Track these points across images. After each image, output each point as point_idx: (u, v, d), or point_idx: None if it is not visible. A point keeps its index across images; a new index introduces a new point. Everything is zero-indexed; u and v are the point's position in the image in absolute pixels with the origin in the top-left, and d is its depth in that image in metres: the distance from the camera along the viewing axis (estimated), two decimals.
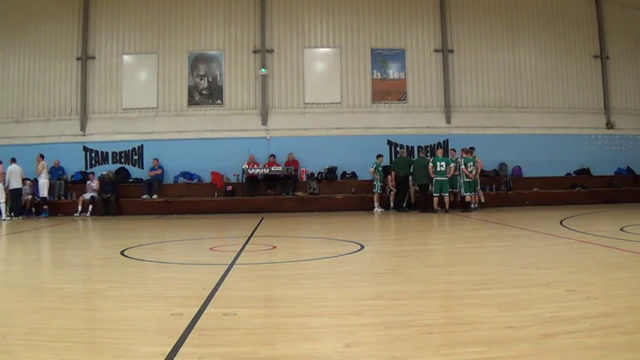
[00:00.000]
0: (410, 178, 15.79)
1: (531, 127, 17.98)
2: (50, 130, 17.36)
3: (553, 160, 17.62)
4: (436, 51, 18.18)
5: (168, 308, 4.17)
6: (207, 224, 13.26)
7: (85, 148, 17.47)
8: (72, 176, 17.09)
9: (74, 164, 17.24)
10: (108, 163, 17.47)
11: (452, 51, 18.17)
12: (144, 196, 16.53)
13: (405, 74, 18.12)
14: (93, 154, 17.52)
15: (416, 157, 16.70)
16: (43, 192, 15.51)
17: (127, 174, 17.34)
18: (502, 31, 18.41)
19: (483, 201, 15.51)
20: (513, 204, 16.38)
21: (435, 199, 14.80)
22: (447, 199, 14.82)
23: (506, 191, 17.09)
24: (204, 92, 17.92)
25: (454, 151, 16.48)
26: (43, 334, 3.51)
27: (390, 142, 17.67)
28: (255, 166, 16.89)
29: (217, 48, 17.94)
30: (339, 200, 16.62)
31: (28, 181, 15.67)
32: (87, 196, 15.95)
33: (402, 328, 3.57)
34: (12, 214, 14.82)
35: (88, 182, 16.19)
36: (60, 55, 17.68)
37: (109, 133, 17.49)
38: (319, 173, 17.32)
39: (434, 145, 17.53)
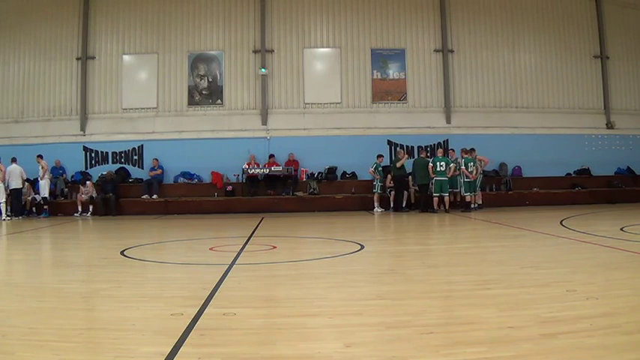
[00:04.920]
0: (410, 178, 15.82)
1: (531, 127, 17.98)
2: (50, 130, 17.37)
3: (553, 160, 17.61)
4: (436, 51, 18.18)
5: (168, 308, 4.17)
6: (207, 224, 13.26)
7: (85, 148, 17.47)
8: (72, 176, 17.10)
9: (74, 164, 17.25)
10: (108, 163, 17.47)
11: (452, 51, 18.17)
12: (144, 196, 16.52)
13: (405, 74, 18.13)
14: (93, 154, 17.52)
15: (416, 157, 16.71)
16: (44, 192, 15.51)
17: (127, 174, 17.34)
18: (502, 31, 18.41)
19: (481, 202, 15.51)
20: (513, 204, 16.37)
21: (435, 199, 14.80)
22: (446, 199, 14.82)
23: (506, 191, 17.10)
24: (204, 92, 17.92)
25: (453, 151, 16.48)
26: (43, 334, 3.51)
27: (390, 142, 17.67)
28: (256, 166, 16.89)
29: (217, 48, 17.94)
30: (339, 200, 16.62)
31: (27, 183, 15.62)
32: (84, 196, 15.91)
33: (402, 328, 3.57)
34: (12, 213, 14.82)
35: (81, 187, 16.09)
36: (60, 55, 17.68)
37: (109, 133, 17.49)
38: (319, 173, 17.33)
39: (434, 145, 17.53)
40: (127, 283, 5.45)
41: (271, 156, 17.07)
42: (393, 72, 18.16)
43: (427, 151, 17.00)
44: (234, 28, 17.95)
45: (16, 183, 14.87)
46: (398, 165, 15.51)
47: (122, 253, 7.55)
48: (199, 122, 17.61)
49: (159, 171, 17.05)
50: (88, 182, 16.15)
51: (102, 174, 16.82)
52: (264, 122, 17.70)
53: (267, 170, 16.77)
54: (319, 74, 18.33)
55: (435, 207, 14.73)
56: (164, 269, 6.56)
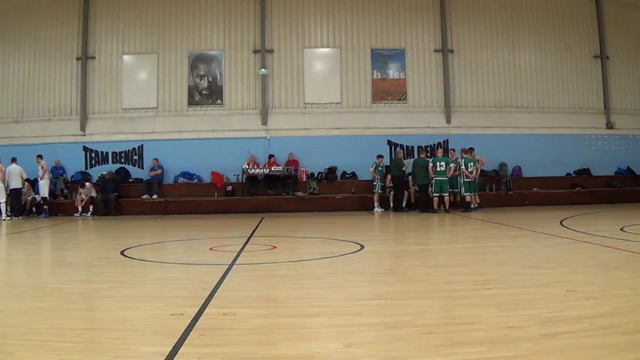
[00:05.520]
0: (410, 178, 15.83)
1: (531, 127, 17.98)
2: (50, 130, 17.37)
3: (553, 160, 17.61)
4: (436, 51, 18.17)
5: (169, 308, 4.17)
6: (207, 224, 13.26)
7: (85, 148, 17.47)
8: (72, 176, 17.11)
9: (74, 164, 17.25)
10: (108, 163, 17.47)
11: (452, 51, 18.17)
12: (144, 196, 16.52)
13: (405, 74, 18.12)
14: (93, 154, 17.52)
15: (416, 157, 16.70)
16: (44, 192, 15.50)
17: (127, 174, 17.34)
18: (502, 31, 18.41)
19: (478, 202, 15.50)
20: (513, 204, 16.37)
21: (435, 199, 14.80)
22: (446, 199, 14.82)
23: (506, 191, 17.09)
24: (204, 92, 17.92)
25: (453, 151, 16.49)
26: (43, 334, 3.51)
27: (390, 142, 17.67)
28: (256, 166, 16.89)
29: (217, 48, 17.94)
30: (339, 200, 16.62)
31: (27, 183, 15.60)
32: (83, 196, 15.88)
33: (402, 328, 3.57)
34: (12, 213, 14.81)
35: (80, 188, 16.04)
36: (60, 55, 17.68)
37: (109, 133, 17.49)
38: (319, 173, 17.32)
39: (434, 145, 17.53)
40: (127, 283, 5.45)
41: (271, 156, 17.07)
42: (393, 72, 18.16)
43: (427, 151, 17.01)
44: (234, 28, 17.95)
45: (16, 183, 14.87)
46: (403, 169, 15.53)
47: (122, 253, 7.55)
48: (199, 122, 17.61)
49: (159, 171, 17.05)
50: (87, 184, 16.12)
51: (102, 174, 16.82)
52: (264, 122, 17.70)
53: (267, 170, 16.77)
54: (319, 74, 18.33)
55: (435, 207, 14.73)
56: (164, 269, 6.56)
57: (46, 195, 15.56)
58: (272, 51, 17.89)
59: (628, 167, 18.26)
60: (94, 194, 16.02)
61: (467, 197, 15.02)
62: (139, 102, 17.73)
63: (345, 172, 17.51)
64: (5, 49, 17.76)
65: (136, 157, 17.59)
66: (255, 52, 17.87)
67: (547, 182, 17.37)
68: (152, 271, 6.54)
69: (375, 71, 18.11)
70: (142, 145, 17.58)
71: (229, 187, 16.85)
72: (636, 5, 18.86)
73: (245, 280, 5.51)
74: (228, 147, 17.13)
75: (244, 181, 16.80)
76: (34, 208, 15.90)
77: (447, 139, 17.58)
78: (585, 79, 18.59)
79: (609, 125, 18.43)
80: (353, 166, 17.34)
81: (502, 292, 4.65)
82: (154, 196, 16.52)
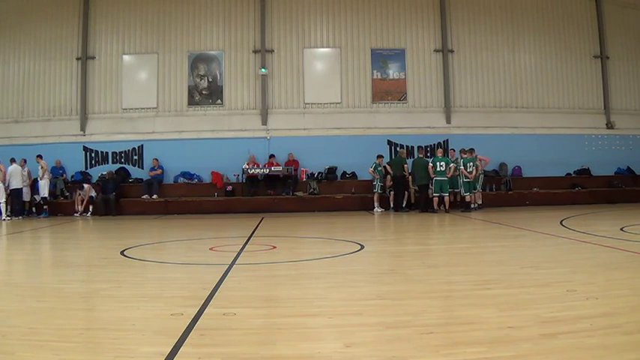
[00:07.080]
0: (410, 178, 15.83)
1: (531, 127, 17.98)
2: (50, 130, 17.37)
3: (553, 160, 17.61)
4: (436, 51, 18.17)
5: (168, 308, 4.17)
6: (207, 224, 13.26)
7: (85, 148, 17.47)
8: (72, 176, 17.10)
9: (74, 164, 17.25)
10: (108, 163, 17.47)
11: (452, 51, 18.17)
12: (144, 196, 16.52)
13: (405, 74, 18.12)
14: (93, 154, 17.52)
15: (415, 157, 16.69)
16: (44, 192, 15.50)
17: (127, 174, 17.34)
18: (502, 31, 18.41)
19: (481, 202, 15.51)
20: (513, 204, 16.37)
21: (435, 199, 14.80)
22: (446, 199, 14.82)
23: (506, 191, 17.10)
24: (204, 92, 17.92)
25: (453, 151, 16.51)
26: (43, 334, 3.51)
27: (390, 142, 17.67)
28: (256, 166, 16.89)
29: (217, 48, 17.94)
30: (339, 200, 16.62)
31: (27, 170, 15.56)
32: (82, 196, 15.89)
33: (402, 328, 3.57)
34: (12, 213, 14.81)
35: (79, 190, 16.04)
36: (60, 55, 17.68)
37: (109, 133, 17.49)
38: (319, 173, 17.32)
39: (434, 145, 17.53)
40: (127, 283, 5.45)
41: (271, 156, 17.07)
42: (393, 72, 18.16)
43: (426, 151, 17.01)
44: (234, 28, 17.95)
45: (16, 183, 14.87)
46: (404, 172, 15.52)
47: (122, 253, 7.55)
48: (199, 122, 17.61)
49: (159, 171, 17.05)
50: (85, 185, 16.10)
51: (102, 174, 16.82)
52: (264, 122, 17.70)
53: (267, 170, 16.78)
54: (319, 74, 18.33)
55: (435, 207, 14.73)
56: (164, 269, 6.56)
57: (46, 195, 15.56)
58: (272, 51, 17.89)
59: (628, 167, 18.26)
60: (93, 194, 16.02)
61: (467, 197, 15.02)
62: (138, 102, 17.73)
63: (345, 172, 17.51)
64: (5, 49, 17.76)
65: (136, 157, 17.59)
66: (255, 52, 17.87)
67: (547, 182, 17.38)
68: (152, 271, 6.54)
69: (375, 71, 18.11)
70: (142, 145, 17.58)
71: (229, 187, 16.85)
72: (636, 5, 18.86)
73: (245, 280, 5.51)
74: (228, 147, 17.13)
75: (244, 181, 16.80)
76: (34, 208, 15.89)
77: (447, 139, 17.59)
78: (585, 79, 18.59)
79: (609, 125, 18.44)
80: (353, 166, 17.34)
81: (502, 292, 4.65)
82: (154, 196, 16.52)
